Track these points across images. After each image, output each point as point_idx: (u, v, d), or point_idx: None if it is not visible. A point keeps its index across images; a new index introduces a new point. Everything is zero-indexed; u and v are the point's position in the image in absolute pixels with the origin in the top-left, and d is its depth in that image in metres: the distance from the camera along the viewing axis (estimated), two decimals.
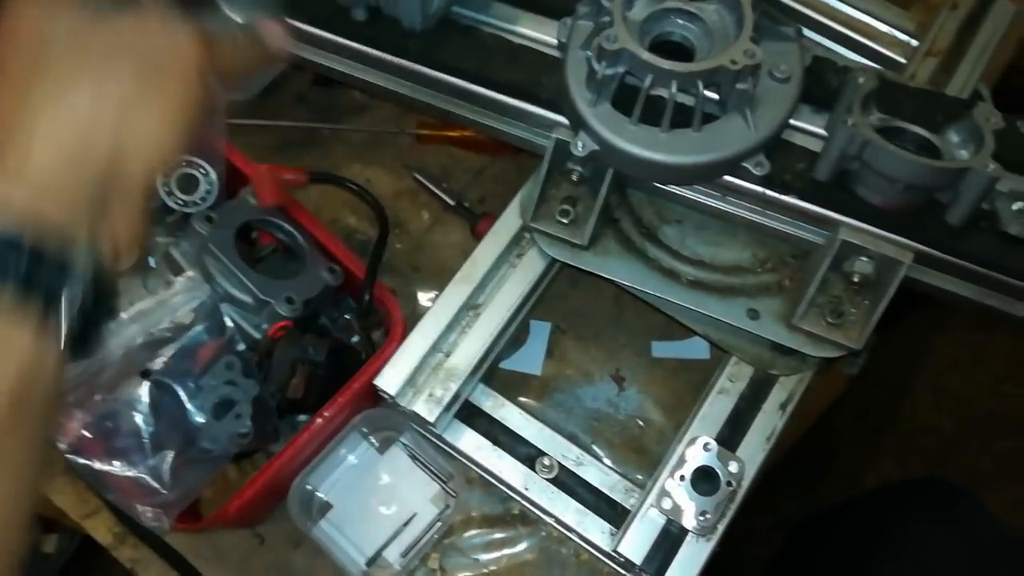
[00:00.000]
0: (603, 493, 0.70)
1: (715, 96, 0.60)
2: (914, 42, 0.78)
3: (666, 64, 0.56)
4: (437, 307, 0.70)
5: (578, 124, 0.62)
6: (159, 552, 0.73)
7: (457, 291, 0.71)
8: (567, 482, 0.71)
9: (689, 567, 0.64)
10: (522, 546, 0.75)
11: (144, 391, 0.67)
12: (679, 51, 0.62)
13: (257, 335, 0.70)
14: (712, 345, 0.80)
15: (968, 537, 0.83)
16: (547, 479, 0.71)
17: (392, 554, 0.73)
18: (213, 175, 0.74)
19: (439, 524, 0.74)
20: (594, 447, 0.77)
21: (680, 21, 0.61)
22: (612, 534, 0.68)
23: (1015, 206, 0.57)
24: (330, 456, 0.73)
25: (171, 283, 0.72)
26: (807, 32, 0.79)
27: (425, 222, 0.87)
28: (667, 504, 0.63)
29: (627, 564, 0.66)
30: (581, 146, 0.61)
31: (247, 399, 0.69)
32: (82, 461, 0.63)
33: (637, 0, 0.61)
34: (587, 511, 0.70)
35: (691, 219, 0.69)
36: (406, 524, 0.74)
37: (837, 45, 0.79)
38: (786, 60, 0.59)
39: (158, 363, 0.68)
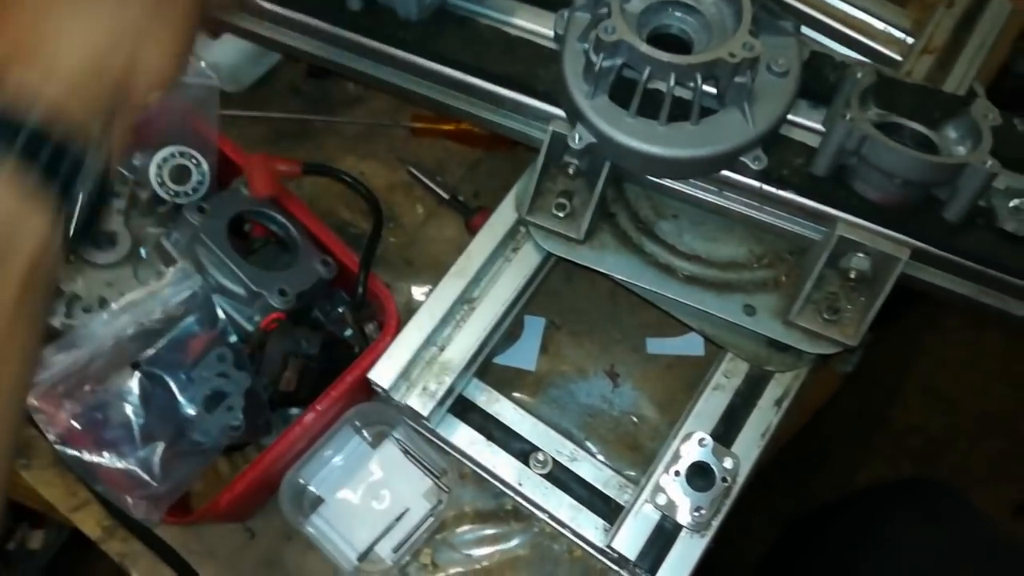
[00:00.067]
0: (597, 489, 0.70)
1: (713, 90, 0.59)
2: (910, 40, 0.78)
3: (664, 56, 0.55)
4: (432, 301, 0.70)
5: (575, 116, 0.61)
6: (149, 545, 0.72)
7: (452, 285, 0.70)
8: (561, 478, 0.71)
9: (683, 563, 0.63)
10: (515, 542, 0.74)
11: (135, 382, 0.67)
12: (677, 44, 0.62)
13: (249, 327, 0.70)
14: (707, 341, 0.79)
15: (955, 536, 0.83)
16: (541, 474, 0.70)
17: (384, 549, 0.73)
18: (205, 166, 0.73)
19: (431, 519, 0.73)
20: (588, 443, 0.76)
21: (678, 14, 0.61)
22: (606, 530, 0.68)
23: (1012, 203, 0.57)
24: (322, 450, 0.73)
25: (162, 274, 0.71)
26: (805, 30, 0.80)
27: (419, 216, 0.87)
28: (662, 500, 0.63)
29: (621, 560, 0.66)
30: (578, 139, 0.61)
31: (239, 391, 0.68)
32: (72, 452, 0.62)
33: None
34: (581, 507, 0.69)
35: (688, 214, 0.69)
36: (398, 519, 0.74)
37: (833, 42, 0.80)
38: (784, 54, 0.59)
39: (149, 354, 0.68)
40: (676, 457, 0.64)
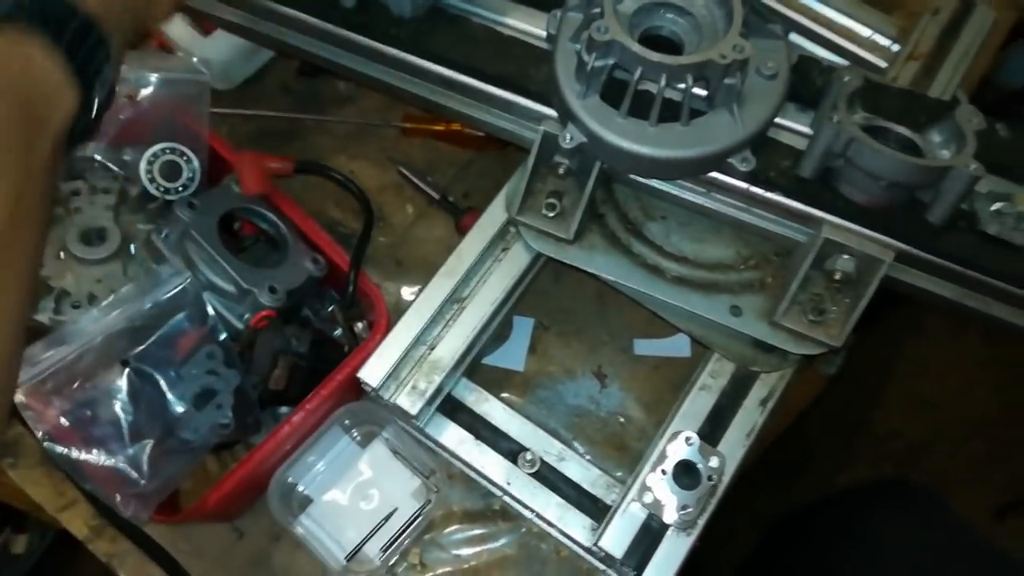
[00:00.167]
0: (584, 488, 0.71)
1: (703, 92, 0.60)
2: (896, 47, 0.79)
3: (655, 56, 0.56)
4: (422, 300, 0.70)
5: (566, 116, 0.62)
6: (138, 543, 0.72)
7: (442, 284, 0.71)
8: (549, 477, 0.71)
9: (670, 561, 0.64)
10: (502, 541, 0.74)
11: (124, 379, 0.67)
12: (668, 45, 0.63)
13: (239, 325, 0.70)
14: (694, 343, 0.80)
15: (933, 537, 0.84)
16: (529, 474, 0.71)
17: (372, 549, 0.73)
18: (196, 162, 0.73)
19: (420, 519, 0.73)
20: (575, 443, 0.77)
21: (669, 15, 0.61)
22: (593, 529, 0.68)
23: (993, 207, 0.58)
24: (311, 450, 0.73)
25: (152, 270, 0.71)
26: (792, 36, 0.81)
27: (409, 216, 0.87)
28: (648, 498, 0.63)
29: (608, 559, 0.66)
30: (569, 138, 0.61)
31: (228, 389, 0.68)
32: (60, 449, 0.62)
33: None
34: (568, 506, 0.70)
35: (676, 216, 0.69)
36: (387, 519, 0.74)
37: (820, 48, 0.81)
38: (774, 57, 0.60)
39: (138, 351, 0.68)
40: (663, 456, 0.65)
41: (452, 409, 0.73)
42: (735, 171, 0.60)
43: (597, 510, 0.70)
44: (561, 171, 0.67)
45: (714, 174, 0.62)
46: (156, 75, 0.72)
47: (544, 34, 0.66)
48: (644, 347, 0.81)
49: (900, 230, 0.60)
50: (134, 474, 0.63)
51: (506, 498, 0.73)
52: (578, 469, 0.72)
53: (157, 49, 0.93)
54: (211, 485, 0.66)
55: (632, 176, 0.66)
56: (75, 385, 0.64)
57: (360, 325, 0.78)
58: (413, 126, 0.88)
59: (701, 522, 0.64)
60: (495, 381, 0.79)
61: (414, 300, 0.70)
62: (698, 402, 0.68)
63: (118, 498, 0.63)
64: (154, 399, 0.67)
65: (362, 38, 0.68)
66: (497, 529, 0.75)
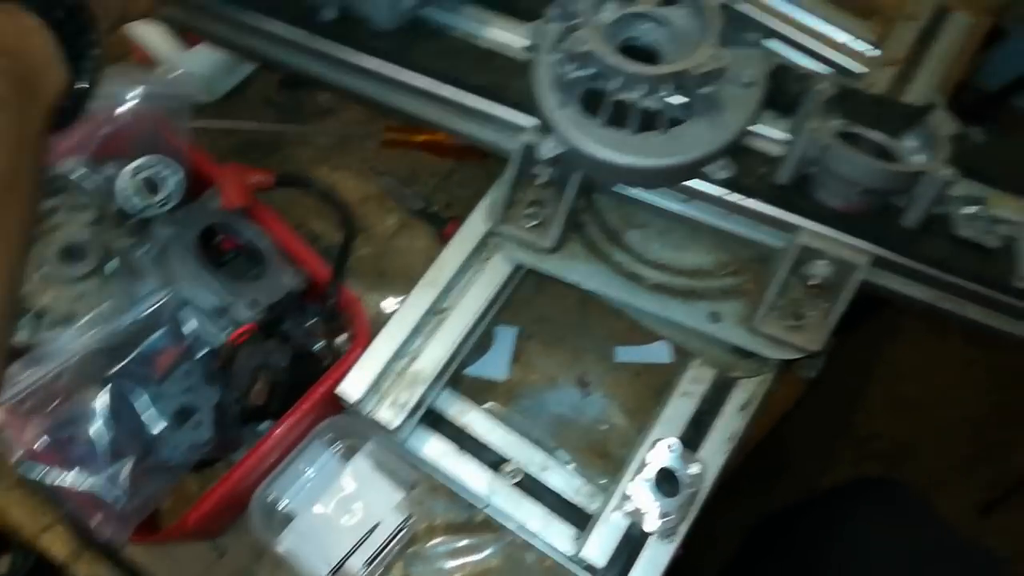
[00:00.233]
0: (567, 498, 0.70)
1: (681, 100, 0.60)
2: (873, 52, 0.80)
3: (633, 67, 0.56)
4: (402, 311, 0.70)
5: (546, 127, 0.62)
6: (117, 565, 0.71)
7: (422, 295, 0.71)
8: (531, 487, 0.71)
9: (652, 569, 0.64)
10: (487, 552, 0.74)
11: (102, 398, 0.66)
12: (646, 55, 0.63)
13: (219, 340, 0.69)
14: (675, 349, 0.80)
15: (913, 534, 0.85)
16: (512, 484, 0.71)
17: (356, 564, 0.72)
18: (176, 176, 0.73)
19: (403, 532, 0.73)
20: (559, 452, 0.77)
21: (647, 25, 0.62)
22: (576, 538, 0.68)
23: (967, 210, 0.59)
24: (292, 465, 0.72)
25: (131, 287, 0.70)
26: (769, 42, 0.81)
27: (391, 227, 0.87)
28: (630, 507, 0.63)
29: (590, 568, 0.66)
30: (549, 148, 0.61)
31: (208, 406, 0.68)
32: (36, 472, 0.61)
33: (606, 4, 0.61)
34: (551, 515, 0.70)
35: (655, 224, 0.70)
36: (370, 533, 0.73)
37: (798, 54, 0.82)
38: (750, 66, 0.60)
39: (117, 369, 0.67)
40: (644, 464, 0.65)
41: (434, 421, 0.73)
42: (713, 179, 0.61)
43: (580, 519, 0.69)
44: (541, 181, 0.67)
45: (693, 182, 0.63)
46: (137, 89, 0.72)
47: (524, 45, 0.66)
48: (625, 354, 0.81)
49: (875, 235, 0.60)
50: (113, 494, 0.63)
51: (489, 509, 0.73)
52: (561, 478, 0.71)
53: (138, 63, 0.92)
54: (191, 503, 0.65)
55: (612, 185, 0.66)
56: (53, 405, 0.63)
57: (342, 338, 0.78)
58: (395, 137, 0.88)
59: (683, 529, 0.64)
60: (478, 391, 0.79)
61: (395, 312, 0.70)
62: (679, 408, 0.69)
63: (95, 521, 0.62)
64: (133, 418, 0.66)
65: (343, 50, 0.68)
66: (481, 540, 0.75)
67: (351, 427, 0.74)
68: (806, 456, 1.62)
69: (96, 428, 0.65)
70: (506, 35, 0.68)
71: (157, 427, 0.67)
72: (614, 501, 0.65)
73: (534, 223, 0.68)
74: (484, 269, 0.73)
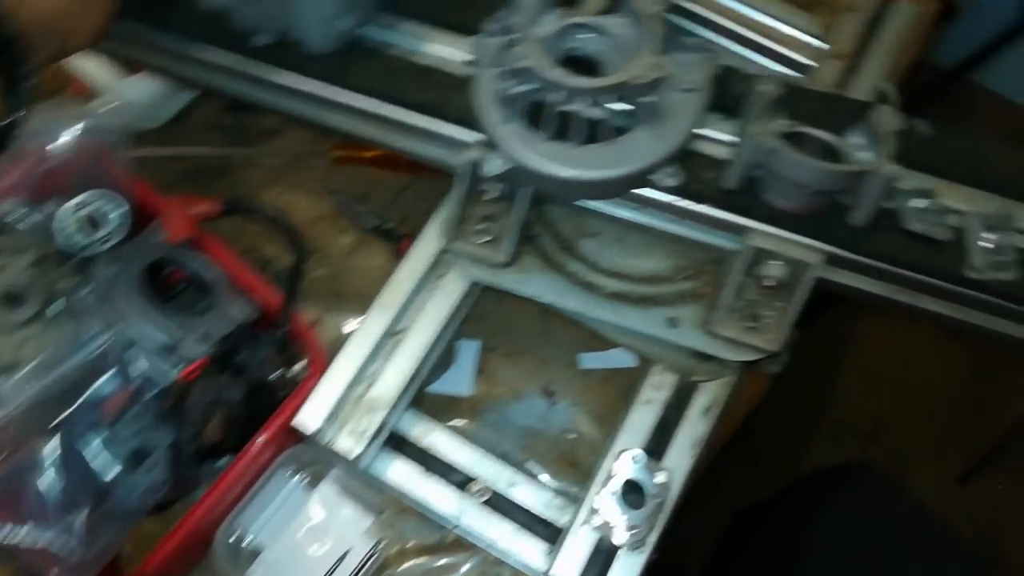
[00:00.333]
0: (536, 513, 0.69)
1: (626, 106, 0.60)
2: (822, 45, 0.79)
3: (573, 81, 0.55)
4: (357, 336, 0.69)
5: (490, 144, 0.61)
6: None
7: (377, 318, 0.69)
8: (500, 505, 0.70)
9: None
10: (461, 572, 0.73)
11: (51, 447, 0.64)
12: (589, 65, 0.62)
13: (169, 379, 0.67)
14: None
15: (886, 518, 0.86)
16: (480, 503, 0.70)
17: None
18: (119, 212, 0.71)
19: (375, 557, 0.72)
20: (528, 464, 0.76)
21: (588, 36, 0.61)
22: (548, 553, 0.67)
23: (916, 204, 0.59)
24: (256, 498, 0.71)
25: (76, 330, 0.68)
26: (717, 38, 0.81)
27: (346, 246, 0.85)
28: (597, 521, 0.63)
29: None
30: (494, 165, 0.60)
31: (162, 447, 0.66)
32: None
33: (545, 16, 0.60)
34: (522, 532, 0.69)
35: (609, 232, 0.69)
36: (340, 561, 0.72)
37: (747, 50, 0.81)
38: (693, 71, 0.59)
39: (65, 416, 0.65)
40: (610, 476, 0.64)
41: (397, 444, 0.72)
42: (662, 186, 0.60)
43: (551, 533, 0.69)
44: (491, 197, 0.66)
45: (642, 190, 0.62)
46: (74, 124, 0.70)
47: (464, 60, 0.65)
48: (590, 361, 0.81)
49: (827, 234, 0.60)
50: (68, 547, 0.61)
51: (459, 530, 0.72)
52: (529, 493, 0.71)
53: (75, 95, 0.90)
54: (152, 547, 0.64)
55: (563, 198, 0.66)
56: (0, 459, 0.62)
57: (300, 365, 0.76)
58: (344, 154, 0.87)
59: (652, 539, 0.63)
60: (442, 408, 0.77)
61: (350, 337, 0.69)
62: (642, 417, 0.68)
63: (53, 573, 0.60)
64: (85, 465, 0.65)
65: (280, 74, 0.66)
66: (454, 560, 0.74)
67: (314, 455, 0.73)
68: (784, 439, 1.63)
69: (46, 480, 0.63)
70: (446, 50, 0.66)
71: (110, 472, 0.65)
72: (582, 515, 0.65)
73: (486, 239, 0.67)
74: (440, 287, 0.72)
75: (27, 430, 0.63)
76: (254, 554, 0.71)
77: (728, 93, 0.63)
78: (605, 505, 0.63)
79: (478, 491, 0.70)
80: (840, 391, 1.73)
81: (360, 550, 0.72)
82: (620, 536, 0.62)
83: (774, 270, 0.61)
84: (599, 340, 0.80)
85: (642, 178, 0.60)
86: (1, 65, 0.48)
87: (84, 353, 0.67)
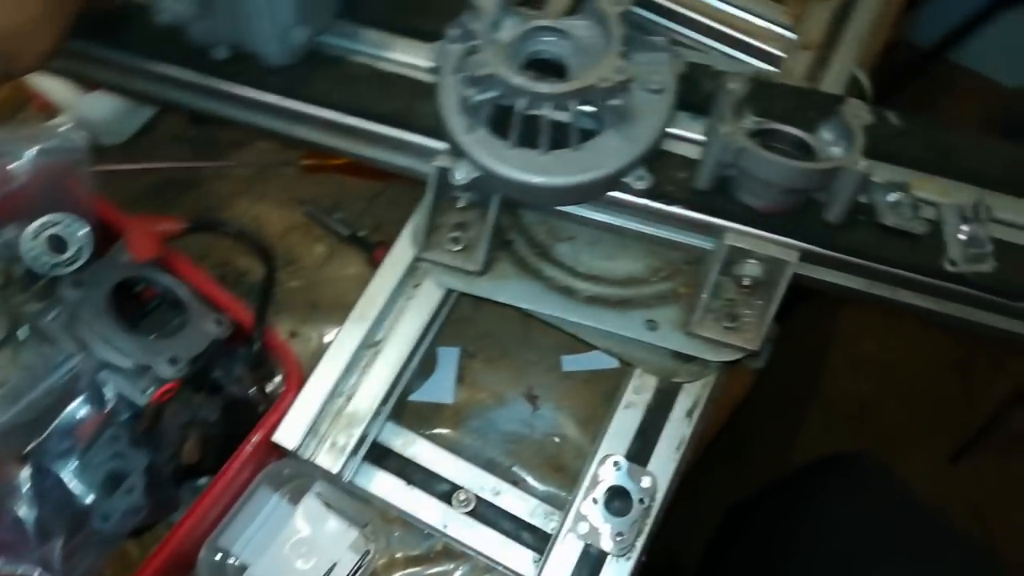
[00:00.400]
0: (523, 520, 0.69)
1: (592, 108, 0.59)
2: (792, 35, 0.79)
3: (536, 87, 0.54)
4: (333, 350, 0.68)
5: (457, 152, 0.60)
6: None
7: (353, 330, 0.68)
8: (486, 514, 0.69)
9: None
10: None
11: (23, 476, 0.63)
12: (553, 68, 0.61)
13: (141, 401, 0.66)
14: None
15: (876, 505, 0.85)
16: (465, 513, 0.69)
17: None
18: (83, 231, 0.69)
19: (362, 570, 0.71)
20: (514, 470, 0.75)
21: (550, 39, 0.60)
22: (536, 561, 0.67)
23: (890, 197, 0.58)
24: (239, 516, 0.70)
25: (44, 355, 0.67)
26: (685, 31, 0.80)
27: (320, 256, 0.84)
28: (583, 529, 0.62)
29: None
30: (462, 174, 0.59)
31: (138, 471, 0.65)
32: None
33: (505, 20, 0.59)
34: (509, 541, 0.68)
35: (584, 235, 0.68)
36: (328, 574, 0.71)
37: (717, 43, 0.80)
38: (659, 71, 0.58)
39: (36, 443, 0.64)
40: (594, 482, 0.64)
41: (379, 456, 0.71)
42: (632, 189, 0.59)
43: (538, 541, 0.68)
44: (461, 204, 0.65)
45: (613, 193, 0.61)
46: (30, 148, 0.68)
47: (428, 67, 0.64)
48: (572, 363, 0.80)
49: (802, 231, 0.59)
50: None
51: (446, 539, 0.71)
52: (515, 501, 0.70)
53: (38, 111, 0.88)
54: (133, 571, 0.63)
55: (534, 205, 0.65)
56: None
57: (277, 380, 0.75)
58: (313, 163, 0.85)
59: (639, 544, 0.63)
60: (425, 417, 0.77)
61: (326, 351, 0.68)
62: (624, 421, 0.67)
63: None
64: (59, 492, 0.64)
65: (239, 88, 0.65)
66: (444, 569, 0.73)
67: (296, 469, 0.72)
68: (772, 427, 1.63)
69: (21, 508, 0.62)
70: (409, 57, 0.65)
71: (87, 498, 0.64)
72: (569, 522, 0.64)
73: (459, 247, 0.66)
74: (416, 296, 0.71)
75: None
76: (239, 572, 0.70)
77: (697, 91, 0.63)
78: (591, 512, 0.62)
79: (463, 501, 0.69)
80: (827, 374, 1.73)
81: (347, 563, 0.71)
82: (607, 543, 0.61)
83: (750, 269, 0.60)
84: (580, 342, 0.79)
85: (612, 182, 0.59)
86: None
87: (55, 377, 0.66)
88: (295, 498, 0.74)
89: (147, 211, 0.83)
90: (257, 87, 0.64)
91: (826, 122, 0.58)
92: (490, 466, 0.73)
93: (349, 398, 0.67)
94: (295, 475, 0.73)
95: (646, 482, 0.63)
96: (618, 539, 0.61)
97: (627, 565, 0.63)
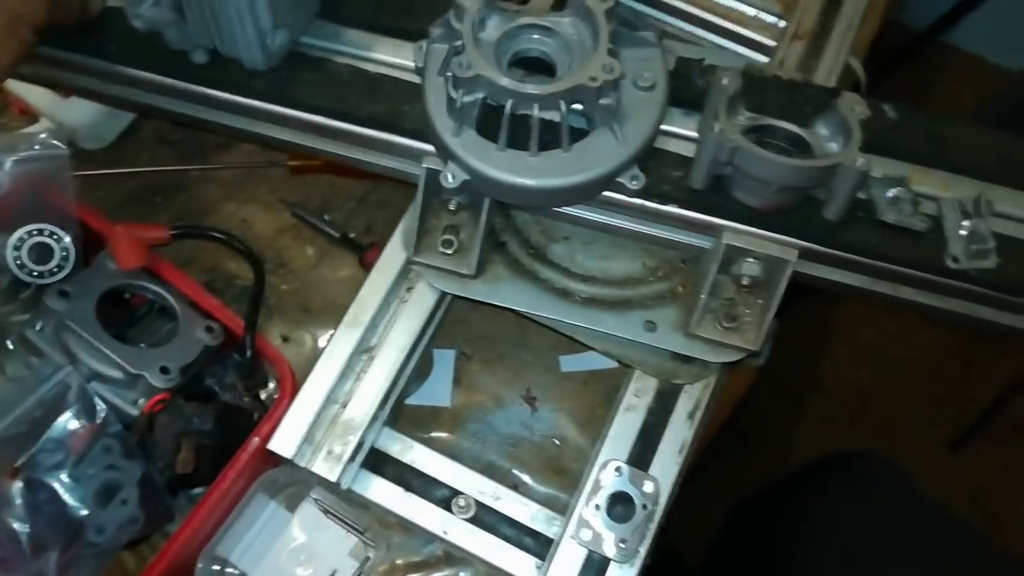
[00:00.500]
0: (524, 525, 0.68)
1: (580, 106, 0.57)
2: (782, 23, 0.77)
3: (523, 87, 0.53)
4: (327, 356, 0.67)
5: (445, 154, 0.58)
6: None
7: (346, 336, 0.67)
8: (486, 520, 0.68)
9: None
10: None
11: (16, 490, 0.62)
12: (540, 66, 0.60)
13: (133, 412, 0.65)
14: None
15: (880, 502, 0.85)
16: (465, 519, 0.68)
17: None
18: (67, 240, 0.68)
19: None
20: (514, 473, 0.74)
21: (536, 36, 0.58)
22: (538, 567, 0.66)
23: (889, 193, 0.57)
24: (236, 524, 0.69)
25: (32, 367, 0.66)
26: (675, 22, 0.78)
27: (311, 259, 0.83)
28: (586, 535, 0.61)
29: None
30: (451, 177, 0.58)
31: (132, 482, 0.64)
32: None
33: (490, 19, 0.57)
34: (510, 546, 0.67)
35: (578, 235, 0.67)
36: None
37: (708, 33, 0.79)
38: (649, 67, 0.57)
39: (27, 457, 0.63)
40: (596, 488, 0.63)
41: (377, 463, 0.70)
42: (626, 189, 0.58)
43: (540, 546, 0.67)
44: (453, 206, 0.64)
45: (607, 193, 0.60)
46: (9, 156, 0.67)
47: (413, 66, 0.62)
48: (570, 363, 0.79)
49: (801, 229, 0.58)
50: None
51: (447, 546, 0.70)
52: (516, 506, 0.69)
53: (16, 116, 0.87)
54: None
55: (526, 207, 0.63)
56: None
57: (272, 386, 0.74)
58: (300, 163, 0.84)
59: (643, 550, 0.62)
60: (422, 421, 0.76)
61: (319, 357, 0.67)
62: (625, 424, 0.66)
63: None
64: (53, 506, 0.62)
65: (219, 93, 0.63)
66: (444, 575, 0.72)
67: (292, 476, 0.71)
68: (773, 418, 1.62)
69: (14, 522, 0.61)
70: (393, 58, 0.63)
71: (81, 510, 0.63)
72: (571, 528, 0.63)
73: (452, 249, 0.65)
74: (409, 300, 0.69)
75: None
76: None
77: (689, 86, 0.61)
78: (593, 518, 0.62)
79: (463, 507, 0.68)
80: (827, 364, 1.72)
81: (347, 569, 0.71)
82: (610, 549, 0.61)
83: (749, 268, 0.59)
84: (578, 343, 0.79)
85: (605, 183, 0.58)
86: None
87: (44, 389, 0.65)
88: (292, 505, 0.73)
89: (132, 216, 0.82)
90: (239, 92, 0.63)
91: (821, 116, 0.57)
92: (489, 469, 0.72)
93: (344, 405, 0.66)
94: (291, 482, 0.72)
95: (648, 487, 0.62)
96: (621, 545, 0.60)
97: (631, 571, 0.62)
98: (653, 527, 0.62)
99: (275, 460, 0.69)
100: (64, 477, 0.63)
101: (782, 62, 0.72)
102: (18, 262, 0.67)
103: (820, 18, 0.74)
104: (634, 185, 0.57)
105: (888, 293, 0.61)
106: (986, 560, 0.83)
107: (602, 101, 0.54)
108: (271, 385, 0.74)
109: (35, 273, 0.67)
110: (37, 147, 0.67)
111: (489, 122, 0.57)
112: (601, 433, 0.68)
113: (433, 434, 0.75)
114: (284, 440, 0.65)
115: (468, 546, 0.67)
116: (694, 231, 0.61)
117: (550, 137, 0.56)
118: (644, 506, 0.61)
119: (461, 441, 0.76)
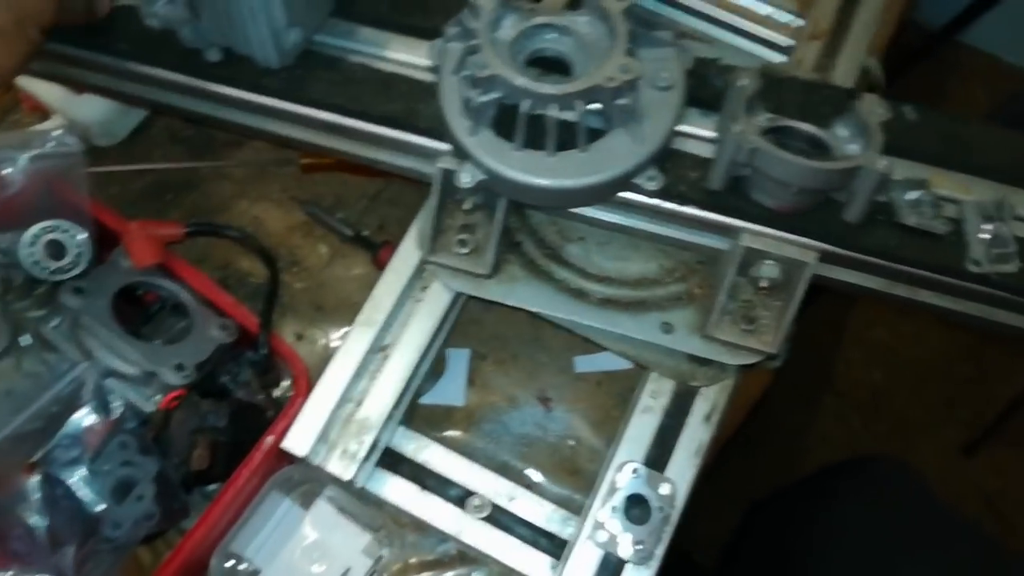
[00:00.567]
0: (539, 526, 0.68)
1: (598, 106, 0.57)
2: (798, 22, 0.77)
3: (540, 87, 0.53)
4: (341, 355, 0.67)
5: (461, 154, 0.58)
6: None
7: (361, 335, 0.67)
8: (501, 520, 0.68)
9: None
10: None
11: (33, 485, 0.62)
12: (557, 65, 0.59)
13: (149, 408, 0.65)
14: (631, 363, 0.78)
15: (898, 511, 0.84)
16: (480, 519, 0.68)
17: None
18: (81, 236, 0.68)
19: (375, 575, 0.71)
20: (527, 473, 0.74)
21: (552, 36, 0.58)
22: (553, 567, 0.66)
23: (909, 195, 0.56)
24: (250, 521, 0.69)
25: (48, 363, 0.66)
26: (692, 21, 0.78)
27: (323, 257, 0.83)
28: (602, 537, 0.61)
29: None
30: (467, 177, 0.58)
31: (148, 478, 0.64)
32: None
33: (505, 18, 0.57)
34: (526, 547, 0.67)
35: (594, 235, 0.67)
36: None
37: (723, 32, 0.78)
38: (666, 67, 0.57)
39: (44, 452, 0.63)
40: (612, 490, 0.62)
41: (392, 462, 0.70)
42: (643, 190, 0.57)
43: (555, 547, 0.67)
44: (468, 206, 0.64)
45: (624, 194, 0.59)
46: (23, 153, 0.67)
47: (428, 65, 0.62)
48: (584, 364, 0.79)
49: (821, 231, 0.57)
50: None
51: (461, 545, 0.70)
52: (531, 506, 0.69)
53: (28, 113, 0.87)
54: None
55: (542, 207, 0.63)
56: None
57: (287, 383, 0.74)
58: (313, 161, 0.84)
59: (659, 552, 0.61)
60: (436, 420, 0.76)
61: (333, 356, 0.67)
62: (641, 426, 0.66)
63: None
64: (69, 500, 0.63)
65: (233, 91, 0.63)
66: (458, 574, 0.72)
67: (306, 474, 0.71)
68: (788, 417, 1.61)
69: (31, 517, 0.62)
70: (408, 56, 0.63)
71: (97, 506, 0.64)
72: (587, 529, 0.63)
73: (467, 249, 0.65)
74: (424, 299, 0.69)
75: (7, 469, 0.62)
76: (252, 575, 0.70)
77: (706, 86, 0.61)
78: (609, 520, 0.61)
79: (477, 507, 0.68)
80: (840, 364, 1.71)
81: (360, 568, 0.71)
82: (626, 551, 0.60)
83: (768, 270, 0.59)
84: (592, 342, 0.78)
85: (622, 183, 0.57)
86: None
87: (60, 385, 0.65)
88: (306, 502, 0.73)
89: (145, 213, 0.82)
90: (253, 90, 0.63)
91: (841, 118, 0.56)
92: (504, 469, 0.72)
93: (359, 404, 0.66)
94: (305, 480, 0.72)
95: (665, 489, 0.62)
96: (638, 547, 0.60)
97: (647, 573, 0.62)
98: (669, 529, 0.62)
99: (289, 458, 0.70)
100: (80, 473, 0.64)
101: (800, 62, 0.72)
102: (33, 258, 0.67)
103: (837, 17, 0.73)
104: (651, 186, 0.56)
105: (906, 296, 0.60)
106: (999, 563, 0.83)
107: (619, 101, 0.53)
108: (285, 383, 0.74)
109: (50, 269, 0.67)
110: (51, 144, 0.67)
111: (505, 121, 0.57)
112: (617, 434, 0.67)
113: (447, 433, 0.75)
114: (299, 439, 0.65)
115: (482, 546, 0.67)
116: (712, 233, 0.60)
117: (567, 137, 0.56)
118: (661, 508, 0.61)
119: (475, 441, 0.75)
